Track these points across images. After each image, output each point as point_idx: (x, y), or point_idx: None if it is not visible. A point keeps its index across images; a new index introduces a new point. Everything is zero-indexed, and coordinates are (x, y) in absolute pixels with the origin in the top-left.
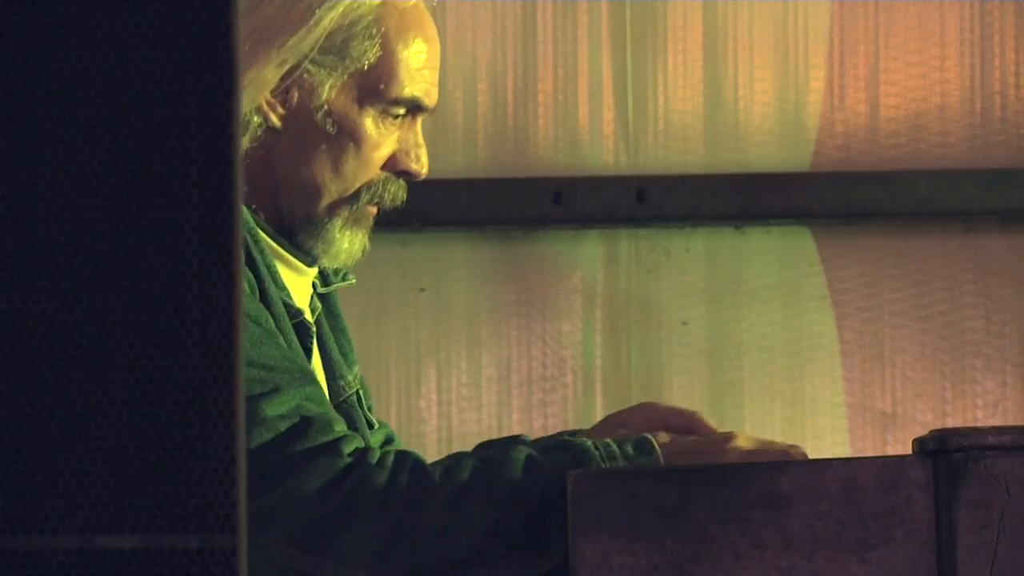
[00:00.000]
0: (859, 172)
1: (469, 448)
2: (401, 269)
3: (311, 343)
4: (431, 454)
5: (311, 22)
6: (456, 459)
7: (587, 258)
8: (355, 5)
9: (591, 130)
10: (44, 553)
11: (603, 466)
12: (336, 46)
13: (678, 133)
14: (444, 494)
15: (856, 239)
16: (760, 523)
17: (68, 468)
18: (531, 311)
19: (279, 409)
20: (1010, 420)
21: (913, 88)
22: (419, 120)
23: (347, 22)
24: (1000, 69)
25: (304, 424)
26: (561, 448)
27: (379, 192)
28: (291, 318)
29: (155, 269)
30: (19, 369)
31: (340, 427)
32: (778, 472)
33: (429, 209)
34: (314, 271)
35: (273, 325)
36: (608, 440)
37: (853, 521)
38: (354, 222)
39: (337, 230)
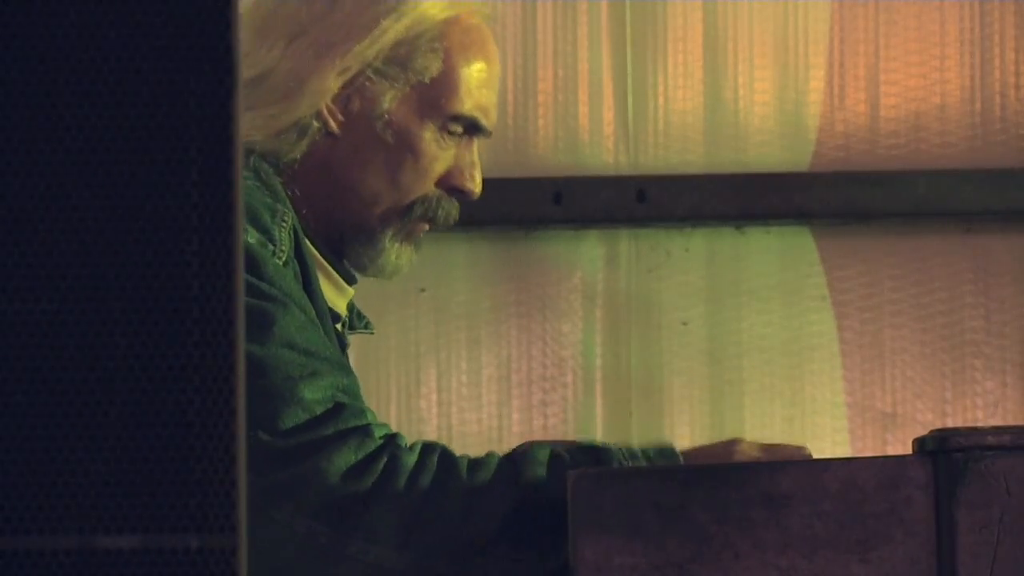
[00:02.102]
0: (859, 172)
1: (469, 448)
2: None
3: (346, 352)
4: None
5: (376, 31)
6: (486, 456)
7: (587, 258)
8: (421, 18)
9: (591, 130)
10: (44, 553)
11: (625, 463)
12: (399, 57)
13: (678, 133)
14: (470, 479)
15: (856, 239)
16: (760, 523)
17: (68, 468)
18: (531, 311)
19: (316, 394)
20: (1010, 420)
21: (913, 88)
22: (475, 140)
23: (412, 34)
24: (1000, 69)
25: (338, 408)
26: (585, 449)
27: (432, 208)
28: (333, 320)
29: (155, 269)
30: (19, 369)
31: (372, 416)
32: (778, 472)
33: None
34: (352, 292)
35: (315, 315)
36: (632, 444)
37: (853, 521)
38: (405, 236)
39: (388, 240)
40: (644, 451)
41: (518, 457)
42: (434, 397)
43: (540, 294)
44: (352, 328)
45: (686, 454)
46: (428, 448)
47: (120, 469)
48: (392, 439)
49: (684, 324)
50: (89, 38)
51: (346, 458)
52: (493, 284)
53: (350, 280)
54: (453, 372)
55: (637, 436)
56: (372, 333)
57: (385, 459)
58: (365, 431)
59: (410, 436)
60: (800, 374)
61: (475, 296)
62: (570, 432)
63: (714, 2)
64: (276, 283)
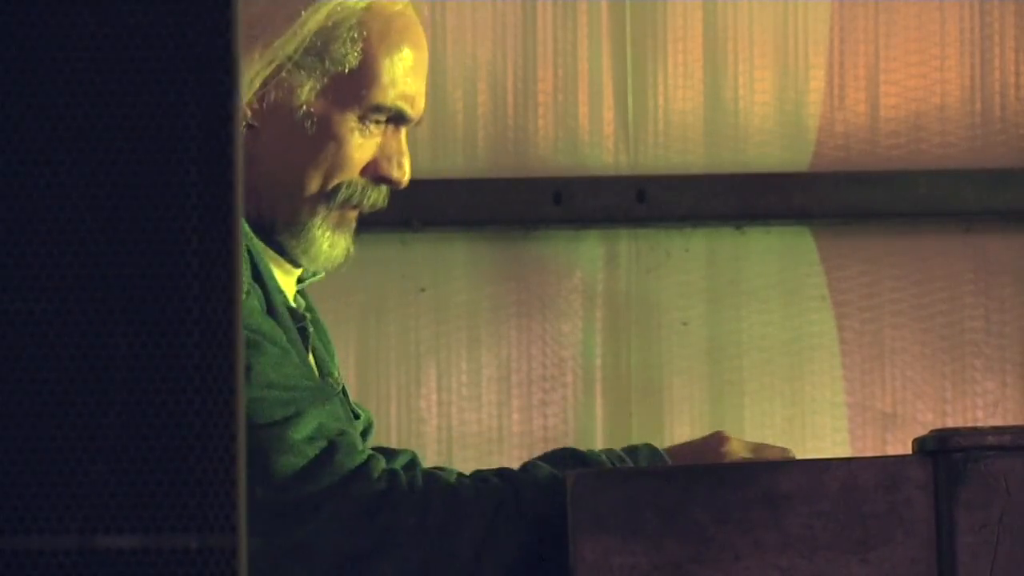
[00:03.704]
0: (859, 172)
1: (468, 448)
2: (401, 269)
3: (308, 345)
4: (431, 454)
5: (296, 23)
6: (482, 481)
7: (587, 258)
8: (339, 8)
9: (591, 130)
10: (44, 553)
11: None
12: (317, 48)
13: (678, 133)
14: (476, 521)
15: (856, 239)
16: (760, 523)
17: (68, 468)
18: (531, 311)
19: (304, 431)
20: (1010, 420)
21: (913, 88)
22: (403, 129)
23: (330, 24)
24: (1000, 69)
25: (331, 449)
26: (574, 459)
27: (357, 195)
28: (295, 322)
29: (155, 269)
30: (19, 369)
31: (360, 444)
32: (778, 472)
33: (429, 209)
34: (299, 271)
35: (285, 340)
36: (621, 453)
37: (853, 521)
38: (335, 224)
39: (317, 229)
40: (633, 456)
41: (517, 481)
42: (434, 397)
43: (540, 294)
44: (303, 280)
45: (671, 451)
46: (429, 488)
47: (120, 469)
48: (393, 480)
49: (684, 324)
50: (89, 38)
51: (350, 510)
52: (493, 284)
53: (296, 263)
54: (453, 372)
55: (637, 436)
56: (322, 277)
57: (388, 509)
58: (365, 474)
59: (410, 436)
60: (800, 374)
61: (475, 296)
62: (570, 432)
63: (714, 2)
64: (244, 322)
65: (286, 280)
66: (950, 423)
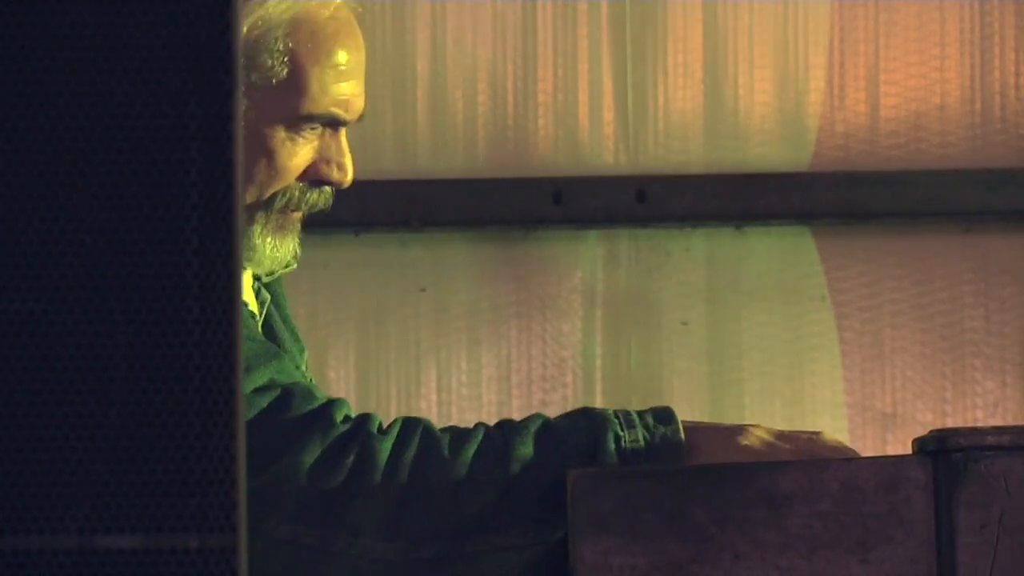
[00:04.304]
0: (859, 172)
1: None
2: (401, 269)
3: (261, 320)
4: None
5: None
6: (472, 428)
7: (587, 258)
8: (262, 21)
9: (591, 130)
10: (44, 553)
11: (621, 433)
12: (244, 62)
13: (678, 133)
14: (454, 460)
15: (856, 239)
16: (760, 523)
17: (68, 468)
18: (531, 311)
19: (254, 383)
20: (1010, 420)
21: (913, 88)
22: (342, 131)
23: (253, 36)
24: (1000, 69)
25: (285, 395)
26: (580, 414)
27: (294, 199)
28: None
29: (155, 269)
30: (19, 369)
31: (320, 393)
32: (778, 472)
33: (429, 209)
34: (249, 272)
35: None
36: (629, 410)
37: (853, 521)
38: (276, 228)
39: (257, 236)
40: (641, 415)
41: (507, 431)
42: (434, 397)
43: (540, 294)
44: (273, 273)
45: (693, 426)
46: (406, 429)
47: (120, 469)
48: (362, 423)
49: (684, 324)
50: (89, 38)
51: (312, 454)
52: (493, 284)
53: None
54: (453, 372)
55: None
56: (294, 267)
57: (356, 450)
58: (324, 417)
59: None
60: (800, 374)
61: (475, 296)
62: None
63: (714, 2)
64: None
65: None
66: (950, 423)
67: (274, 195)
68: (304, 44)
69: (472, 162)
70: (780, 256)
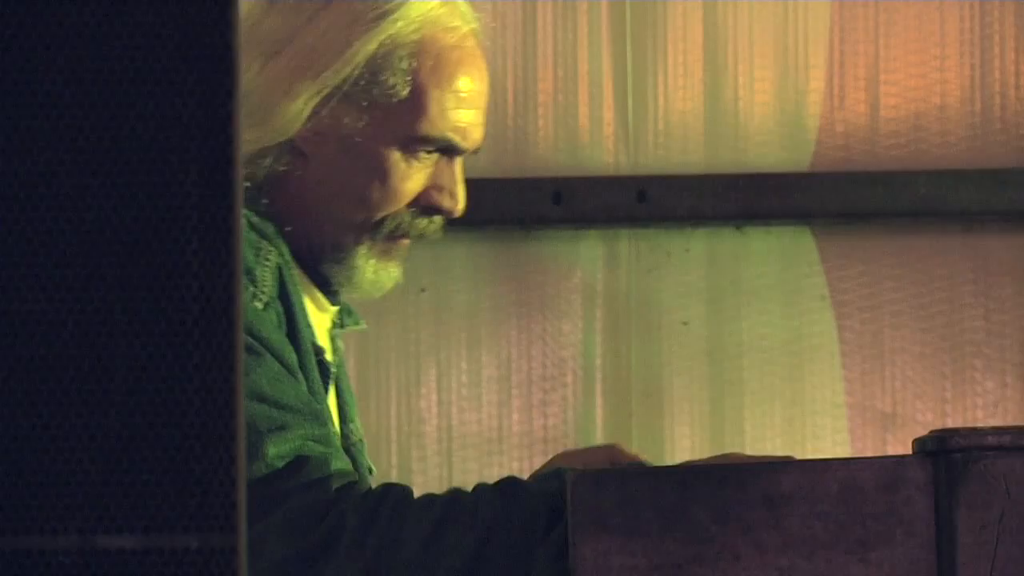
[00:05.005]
0: (859, 172)
1: (468, 448)
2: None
3: (329, 383)
4: (431, 454)
5: (348, 53)
6: (446, 493)
7: (587, 258)
8: (391, 39)
9: (591, 130)
10: (44, 553)
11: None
12: (366, 78)
13: (678, 133)
14: (422, 527)
15: (856, 239)
16: (760, 523)
17: (68, 468)
18: (531, 311)
19: (280, 448)
20: (1010, 420)
21: (913, 88)
22: (457, 160)
23: (381, 54)
24: (1000, 69)
25: (299, 462)
26: (553, 475)
27: (404, 225)
28: (315, 355)
29: (155, 269)
30: (19, 369)
31: (338, 465)
32: (778, 472)
33: None
34: (335, 310)
35: (296, 361)
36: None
37: (853, 521)
38: (381, 253)
39: (361, 258)
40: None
41: (477, 488)
42: (434, 397)
43: (540, 294)
44: (343, 327)
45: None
46: (382, 497)
47: (120, 469)
48: (347, 491)
49: (684, 324)
50: (89, 38)
51: (298, 515)
52: (493, 284)
53: (334, 300)
54: (453, 372)
55: (637, 436)
56: (365, 328)
57: (335, 514)
58: (322, 485)
59: (410, 436)
60: (800, 374)
61: (475, 296)
62: (570, 432)
63: (714, 2)
64: (253, 330)
65: (318, 316)
66: (950, 423)
67: (384, 218)
68: (428, 66)
69: (472, 162)
70: (780, 256)
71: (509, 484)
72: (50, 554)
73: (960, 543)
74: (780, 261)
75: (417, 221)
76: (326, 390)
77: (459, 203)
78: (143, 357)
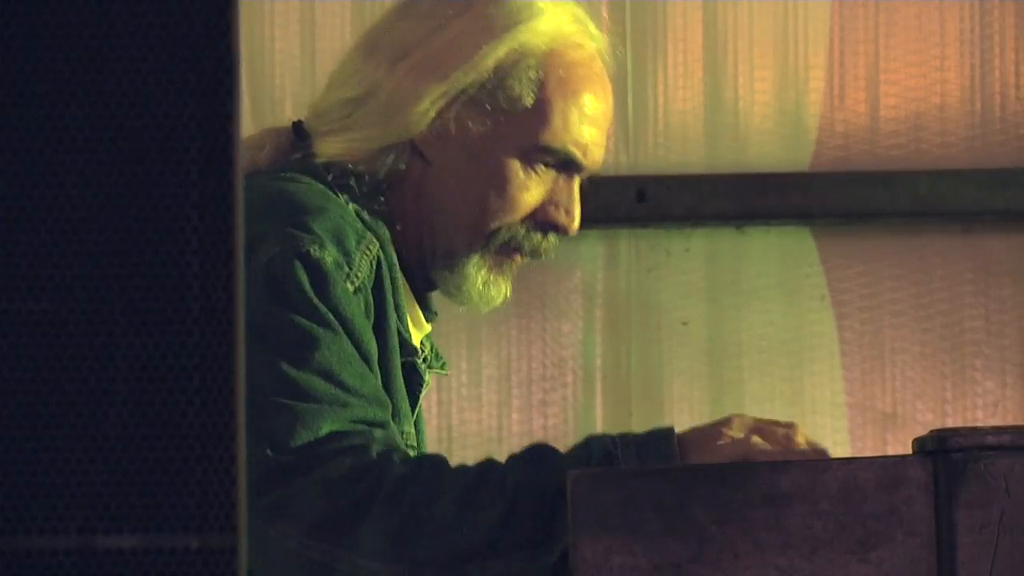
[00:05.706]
0: (859, 172)
1: (468, 448)
2: None
3: (419, 390)
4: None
5: (476, 57)
6: (481, 462)
7: (587, 258)
8: (520, 47)
9: None
10: (44, 553)
11: (615, 452)
12: (493, 84)
13: (678, 133)
14: (455, 488)
15: (856, 239)
16: (760, 523)
17: (68, 468)
18: (531, 311)
19: (335, 425)
20: (1010, 420)
21: (913, 88)
22: (576, 178)
23: (509, 61)
24: (1000, 69)
25: (346, 433)
26: (581, 444)
27: (517, 238)
28: (404, 355)
29: (155, 269)
30: (19, 369)
31: (380, 434)
32: (778, 472)
33: None
34: (429, 328)
35: (375, 351)
36: (627, 433)
37: (853, 521)
38: (492, 265)
39: (472, 267)
40: (637, 438)
41: (510, 456)
42: (434, 397)
43: (540, 294)
44: (429, 367)
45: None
46: (421, 461)
47: (120, 469)
48: (388, 453)
49: (684, 324)
50: (89, 38)
51: (337, 473)
52: None
53: (429, 316)
54: (453, 372)
55: None
56: (446, 374)
57: (374, 473)
58: (363, 448)
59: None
60: (800, 374)
61: None
62: (570, 432)
63: (714, 2)
64: (338, 307)
65: (413, 332)
66: (950, 423)
67: (499, 228)
68: (555, 77)
69: None
70: (780, 256)
71: (538, 451)
72: (50, 554)
73: (960, 543)
74: (780, 261)
75: (532, 236)
76: (414, 396)
77: (575, 222)
78: (143, 357)
